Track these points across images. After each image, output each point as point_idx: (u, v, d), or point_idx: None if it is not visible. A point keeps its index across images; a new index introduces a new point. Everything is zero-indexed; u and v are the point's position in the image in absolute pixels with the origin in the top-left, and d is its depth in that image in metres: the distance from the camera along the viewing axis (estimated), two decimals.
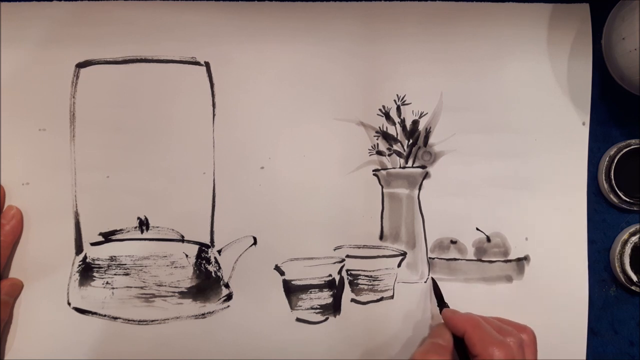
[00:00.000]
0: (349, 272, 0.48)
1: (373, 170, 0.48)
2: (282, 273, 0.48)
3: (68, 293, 0.46)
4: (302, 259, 0.48)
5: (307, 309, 0.48)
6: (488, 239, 0.49)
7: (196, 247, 0.47)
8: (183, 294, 0.47)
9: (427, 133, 0.49)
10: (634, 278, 0.48)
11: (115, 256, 0.47)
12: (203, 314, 0.47)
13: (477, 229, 0.48)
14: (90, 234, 0.47)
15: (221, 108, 0.48)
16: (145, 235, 0.47)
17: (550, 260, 0.48)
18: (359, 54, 0.48)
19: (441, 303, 0.46)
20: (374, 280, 0.48)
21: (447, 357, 0.41)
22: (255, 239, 0.48)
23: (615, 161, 0.48)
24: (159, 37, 0.47)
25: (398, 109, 0.48)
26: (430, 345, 0.42)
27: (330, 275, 0.48)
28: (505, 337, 0.40)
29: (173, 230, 0.47)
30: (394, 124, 0.49)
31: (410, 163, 0.49)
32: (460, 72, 0.48)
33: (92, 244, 0.47)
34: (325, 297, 0.48)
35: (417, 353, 0.42)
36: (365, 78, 0.48)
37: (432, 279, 0.48)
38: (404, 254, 0.48)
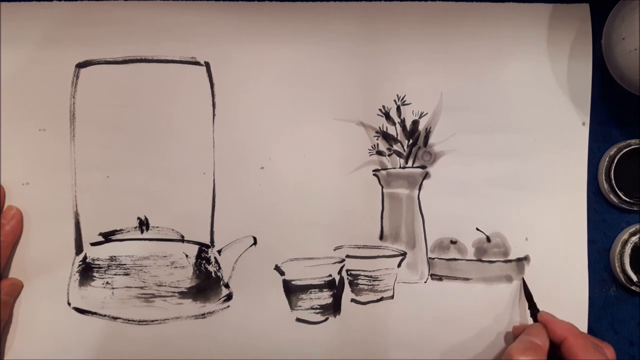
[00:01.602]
0: (349, 272, 0.48)
1: (373, 171, 0.48)
2: (282, 273, 0.48)
3: (68, 293, 0.46)
4: (302, 259, 0.48)
5: (307, 309, 0.48)
6: (488, 239, 0.49)
7: (196, 247, 0.47)
8: (183, 294, 0.47)
9: (427, 133, 0.49)
10: (634, 278, 0.48)
11: (115, 256, 0.47)
12: (203, 314, 0.47)
13: (477, 229, 0.48)
14: (90, 234, 0.47)
15: (221, 108, 0.48)
16: (145, 235, 0.47)
17: (550, 260, 0.48)
18: (359, 54, 0.48)
19: (532, 305, 0.46)
20: (374, 281, 0.48)
21: (544, 358, 0.41)
22: (255, 239, 0.48)
23: (615, 161, 0.48)
24: (159, 37, 0.47)
25: (398, 109, 0.48)
26: (529, 343, 0.42)
27: (330, 275, 0.48)
28: (596, 351, 0.41)
29: (173, 230, 0.47)
30: (394, 124, 0.49)
31: (410, 163, 0.49)
32: (460, 72, 0.48)
33: (92, 244, 0.47)
34: (325, 297, 0.48)
35: (514, 349, 0.41)
36: (365, 78, 0.48)
37: (523, 279, 0.48)
38: (404, 254, 0.48)
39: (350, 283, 0.48)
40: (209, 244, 0.47)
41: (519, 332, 0.45)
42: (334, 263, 0.48)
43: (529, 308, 0.47)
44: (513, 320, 0.48)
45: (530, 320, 0.47)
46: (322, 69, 0.48)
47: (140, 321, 0.47)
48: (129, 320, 0.47)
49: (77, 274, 0.47)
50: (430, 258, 0.49)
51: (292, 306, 0.48)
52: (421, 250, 0.49)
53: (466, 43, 0.48)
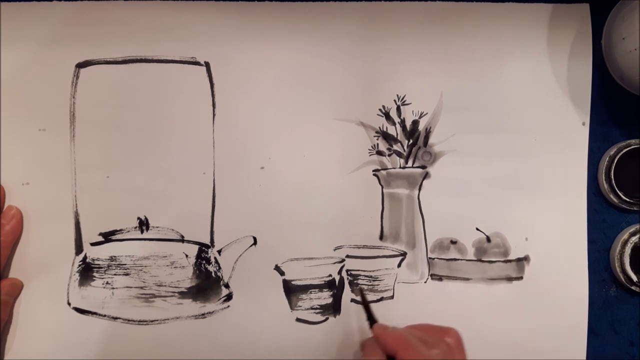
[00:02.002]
0: (349, 272, 0.48)
1: (373, 171, 0.48)
2: (282, 273, 0.48)
3: (68, 293, 0.46)
4: (302, 259, 0.48)
5: (307, 309, 0.48)
6: (488, 239, 0.49)
7: (196, 247, 0.47)
8: (183, 294, 0.47)
9: (427, 133, 0.49)
10: (634, 278, 0.48)
11: (115, 256, 0.47)
12: (203, 314, 0.47)
13: (477, 229, 0.48)
14: (90, 234, 0.47)
15: (221, 108, 0.48)
16: (145, 235, 0.47)
17: (550, 260, 0.48)
18: (359, 54, 0.48)
19: (370, 317, 0.45)
20: (374, 281, 0.48)
21: None
22: (255, 239, 0.48)
23: (615, 161, 0.48)
24: (159, 37, 0.47)
25: (398, 109, 0.48)
26: None
27: (330, 276, 0.48)
28: (431, 350, 0.39)
29: (173, 230, 0.47)
30: (394, 124, 0.49)
31: (410, 163, 0.49)
32: (460, 72, 0.48)
33: (92, 244, 0.47)
34: (325, 297, 0.48)
35: None
36: (365, 78, 0.48)
37: (361, 289, 0.47)
38: (404, 254, 0.48)
39: (351, 283, 0.48)
40: (209, 244, 0.47)
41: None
42: (334, 263, 0.48)
43: (367, 320, 0.45)
44: (513, 320, 0.48)
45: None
46: (322, 69, 0.48)
47: (140, 321, 0.47)
48: (129, 320, 0.47)
49: (77, 274, 0.47)
50: (430, 258, 0.49)
51: (292, 306, 0.48)
52: (421, 250, 0.49)
53: (466, 43, 0.48)
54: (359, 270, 0.48)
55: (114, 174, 0.47)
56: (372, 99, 0.48)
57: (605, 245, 0.49)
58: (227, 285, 0.47)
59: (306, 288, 0.48)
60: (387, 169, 0.49)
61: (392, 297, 0.48)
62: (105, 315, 0.47)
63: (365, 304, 0.46)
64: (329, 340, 0.48)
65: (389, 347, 0.40)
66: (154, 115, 0.47)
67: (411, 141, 0.49)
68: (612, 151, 0.48)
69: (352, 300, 0.48)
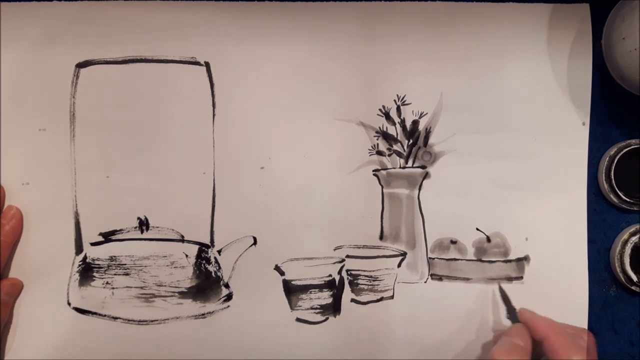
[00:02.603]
0: (349, 272, 0.48)
1: (373, 170, 0.48)
2: (282, 273, 0.48)
3: (68, 293, 0.46)
4: (302, 259, 0.48)
5: (307, 309, 0.48)
6: (488, 239, 0.49)
7: (196, 247, 0.47)
8: (183, 294, 0.47)
9: (427, 133, 0.49)
10: (634, 278, 0.48)
11: (115, 256, 0.47)
12: (203, 314, 0.47)
13: (477, 229, 0.48)
14: (90, 234, 0.47)
15: (221, 108, 0.48)
16: (145, 235, 0.47)
17: (550, 260, 0.48)
18: (359, 54, 0.48)
19: (511, 309, 0.47)
20: (374, 280, 0.48)
21: (528, 359, 0.41)
22: (255, 239, 0.48)
23: (615, 161, 0.48)
24: (159, 37, 0.47)
25: (398, 109, 0.48)
26: (511, 345, 0.42)
27: (330, 275, 0.48)
28: (579, 341, 0.41)
29: (173, 230, 0.47)
30: (394, 124, 0.49)
31: (410, 163, 0.49)
32: (460, 72, 0.48)
33: (92, 244, 0.47)
34: (325, 297, 0.48)
35: (497, 352, 0.41)
36: (365, 78, 0.48)
37: (500, 287, 0.48)
38: (404, 254, 0.48)
39: (350, 283, 0.48)
40: (209, 244, 0.47)
41: (498, 337, 0.45)
42: (334, 263, 0.48)
43: (507, 312, 0.46)
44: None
45: (506, 322, 0.47)
46: (322, 69, 0.48)
47: (140, 321, 0.47)
48: (129, 320, 0.47)
49: (77, 274, 0.47)
50: (430, 258, 0.49)
51: (292, 306, 0.48)
52: (421, 250, 0.49)
53: (466, 43, 0.48)
54: (359, 270, 0.48)
55: (114, 174, 0.47)
56: (372, 99, 0.48)
57: (605, 245, 0.49)
58: (227, 285, 0.47)
59: (306, 288, 0.48)
60: (387, 169, 0.49)
61: (392, 297, 0.48)
62: (105, 315, 0.47)
63: (505, 298, 0.47)
64: (329, 340, 0.48)
65: (540, 331, 0.42)
66: (154, 115, 0.47)
67: (411, 141, 0.49)
68: (612, 151, 0.48)
69: (352, 300, 0.48)
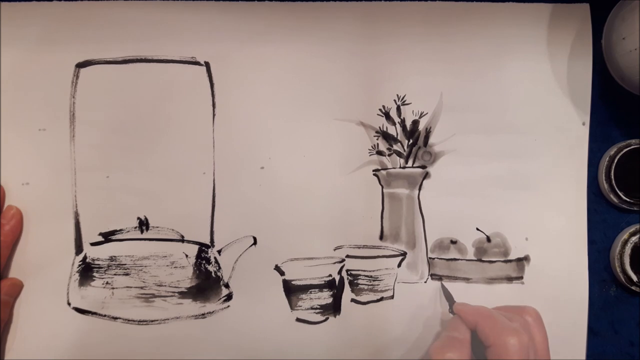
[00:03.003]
0: (349, 272, 0.48)
1: (373, 170, 0.48)
2: (282, 273, 0.48)
3: (68, 293, 0.46)
4: (302, 259, 0.48)
5: (307, 309, 0.48)
6: (488, 239, 0.49)
7: (196, 247, 0.47)
8: (183, 294, 0.47)
9: (427, 133, 0.49)
10: (634, 278, 0.48)
11: (115, 256, 0.47)
12: (203, 314, 0.47)
13: (477, 229, 0.48)
14: (90, 234, 0.47)
15: (221, 108, 0.48)
16: (145, 235, 0.47)
17: (550, 260, 0.48)
18: (359, 54, 0.48)
19: (452, 304, 0.46)
20: (374, 280, 0.48)
21: (465, 351, 0.40)
22: (255, 239, 0.48)
23: (615, 161, 0.48)
24: (159, 37, 0.47)
25: (398, 109, 0.48)
26: (447, 339, 0.41)
27: (330, 275, 0.48)
28: (511, 322, 0.40)
29: (173, 230, 0.47)
30: (394, 124, 0.49)
31: (410, 163, 0.49)
32: (460, 72, 0.48)
33: (92, 244, 0.47)
34: (325, 297, 0.48)
35: (433, 348, 0.41)
36: (365, 78, 0.48)
37: (442, 284, 0.48)
38: (404, 254, 0.48)
39: (350, 283, 0.48)
40: (209, 244, 0.47)
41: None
42: (334, 263, 0.48)
43: (449, 307, 0.46)
44: None
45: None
46: (322, 69, 0.48)
47: (140, 321, 0.47)
48: (129, 320, 0.47)
49: (77, 274, 0.47)
50: (430, 258, 0.49)
51: (292, 306, 0.48)
52: (421, 250, 0.49)
53: (466, 43, 0.48)
54: (359, 270, 0.48)
55: (114, 174, 0.47)
56: (372, 99, 0.48)
57: (605, 245, 0.49)
58: (227, 285, 0.47)
59: (306, 288, 0.48)
60: (387, 169, 0.49)
61: (392, 297, 0.48)
62: (105, 315, 0.47)
63: (447, 293, 0.47)
64: (329, 340, 0.48)
65: (470, 320, 0.41)
66: (154, 115, 0.47)
67: (411, 141, 0.49)
68: (612, 151, 0.48)
69: (352, 300, 0.48)
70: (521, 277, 0.48)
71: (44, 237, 0.46)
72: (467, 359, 0.40)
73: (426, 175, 0.49)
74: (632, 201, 0.48)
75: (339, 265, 0.48)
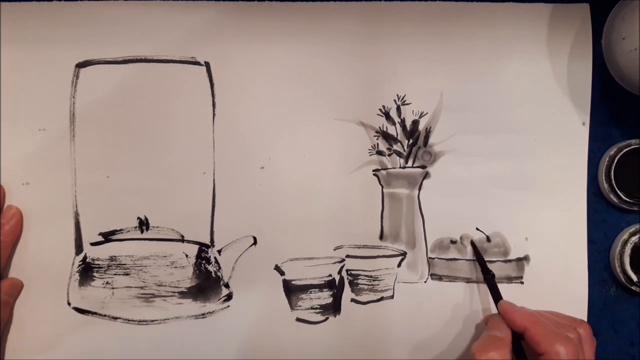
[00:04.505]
0: (349, 272, 0.48)
1: (373, 170, 0.48)
2: (282, 273, 0.48)
3: (68, 293, 0.46)
4: (302, 259, 0.48)
5: (307, 309, 0.48)
6: (488, 239, 0.49)
7: (196, 247, 0.47)
8: (183, 294, 0.47)
9: (427, 133, 0.49)
10: (634, 278, 0.48)
11: (115, 256, 0.47)
12: (203, 314, 0.47)
13: (477, 229, 0.48)
14: (90, 234, 0.47)
15: (221, 108, 0.48)
16: (145, 235, 0.47)
17: (550, 260, 0.48)
18: (359, 54, 0.48)
19: (486, 270, 0.46)
20: (374, 280, 0.48)
21: (507, 350, 0.40)
22: (255, 239, 0.48)
23: (615, 161, 0.48)
24: (159, 37, 0.47)
25: (398, 109, 0.49)
26: (489, 338, 0.41)
27: (330, 275, 0.48)
28: (566, 333, 0.40)
29: (173, 230, 0.47)
30: (394, 124, 0.49)
31: (410, 163, 0.49)
32: (460, 72, 0.48)
33: (92, 244, 0.47)
34: (325, 297, 0.48)
35: (475, 347, 0.40)
36: (365, 78, 0.48)
37: (472, 242, 0.48)
38: (404, 254, 0.48)
39: (350, 283, 0.48)
40: (209, 244, 0.47)
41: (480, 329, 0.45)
42: (334, 263, 0.48)
43: (482, 273, 0.46)
44: None
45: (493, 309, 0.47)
46: (322, 69, 0.48)
47: (140, 321, 0.47)
48: (129, 320, 0.47)
49: (77, 274, 0.47)
50: (430, 258, 0.49)
51: (292, 306, 0.48)
52: (421, 250, 0.49)
53: (466, 43, 0.48)
54: (359, 270, 0.48)
55: (114, 174, 0.47)
56: (372, 99, 0.48)
57: (605, 245, 0.49)
58: (227, 285, 0.47)
59: (306, 288, 0.48)
60: (387, 168, 0.49)
61: (392, 297, 0.48)
62: (105, 315, 0.47)
63: (480, 258, 0.46)
64: (329, 340, 0.48)
65: (518, 323, 0.41)
66: (154, 115, 0.47)
67: (411, 141, 0.49)
68: (612, 151, 0.48)
69: (352, 300, 0.48)
70: (521, 277, 0.48)
71: (44, 237, 0.46)
72: (509, 359, 0.40)
73: (426, 175, 0.49)
74: (632, 201, 0.48)
75: (339, 265, 0.48)
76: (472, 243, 0.48)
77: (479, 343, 0.41)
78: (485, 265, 0.47)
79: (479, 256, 0.47)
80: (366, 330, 0.48)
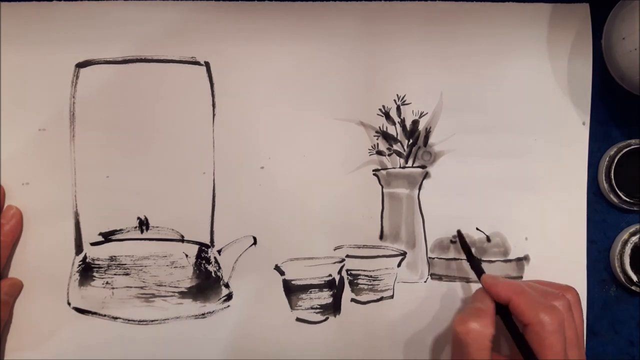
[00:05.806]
0: (349, 272, 0.48)
1: (373, 170, 0.48)
2: (282, 273, 0.48)
3: (68, 293, 0.46)
4: (302, 259, 0.48)
5: (307, 308, 0.48)
6: (488, 239, 0.49)
7: (196, 247, 0.47)
8: (183, 294, 0.47)
9: (427, 133, 0.49)
10: (634, 278, 0.48)
11: (115, 256, 0.47)
12: (203, 314, 0.47)
13: (477, 229, 0.48)
14: (90, 234, 0.47)
15: (221, 108, 0.48)
16: (145, 235, 0.47)
17: (550, 260, 0.48)
18: (359, 54, 0.48)
19: (470, 256, 0.46)
20: (374, 280, 0.48)
21: (488, 321, 0.39)
22: (255, 239, 0.48)
23: (615, 161, 0.48)
24: (159, 37, 0.47)
25: (398, 109, 0.49)
26: (470, 310, 0.41)
27: (330, 275, 0.48)
28: (552, 301, 0.39)
29: (173, 230, 0.47)
30: (394, 124, 0.49)
31: (410, 163, 0.49)
32: (460, 71, 0.48)
33: (92, 244, 0.47)
34: (325, 297, 0.48)
35: (456, 320, 0.40)
36: (365, 78, 0.48)
37: (458, 231, 0.48)
38: (404, 254, 0.48)
39: (350, 283, 0.48)
40: (209, 244, 0.47)
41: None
42: (334, 263, 0.48)
43: (467, 260, 0.46)
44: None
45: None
46: (322, 69, 0.48)
47: (140, 321, 0.47)
48: (129, 320, 0.47)
49: (77, 274, 0.47)
50: (430, 258, 0.49)
51: (292, 306, 0.48)
52: (421, 250, 0.49)
53: (466, 43, 0.48)
54: (359, 270, 0.48)
55: (114, 174, 0.47)
56: (372, 99, 0.48)
57: (605, 245, 0.49)
58: (227, 285, 0.47)
59: (306, 288, 0.48)
60: (387, 168, 0.49)
61: (392, 296, 0.48)
62: (105, 315, 0.47)
63: (465, 247, 0.46)
64: (329, 340, 0.48)
65: (502, 295, 0.40)
66: (154, 115, 0.47)
67: (411, 141, 0.49)
68: (612, 151, 0.48)
69: (352, 300, 0.48)
70: (521, 277, 0.48)
71: (44, 237, 0.46)
72: (491, 329, 0.39)
73: (426, 175, 0.49)
74: (632, 201, 0.48)
75: (339, 265, 0.48)
76: (459, 231, 0.47)
77: (460, 315, 0.41)
78: (468, 250, 0.46)
79: (462, 241, 0.47)
80: (366, 330, 0.48)
